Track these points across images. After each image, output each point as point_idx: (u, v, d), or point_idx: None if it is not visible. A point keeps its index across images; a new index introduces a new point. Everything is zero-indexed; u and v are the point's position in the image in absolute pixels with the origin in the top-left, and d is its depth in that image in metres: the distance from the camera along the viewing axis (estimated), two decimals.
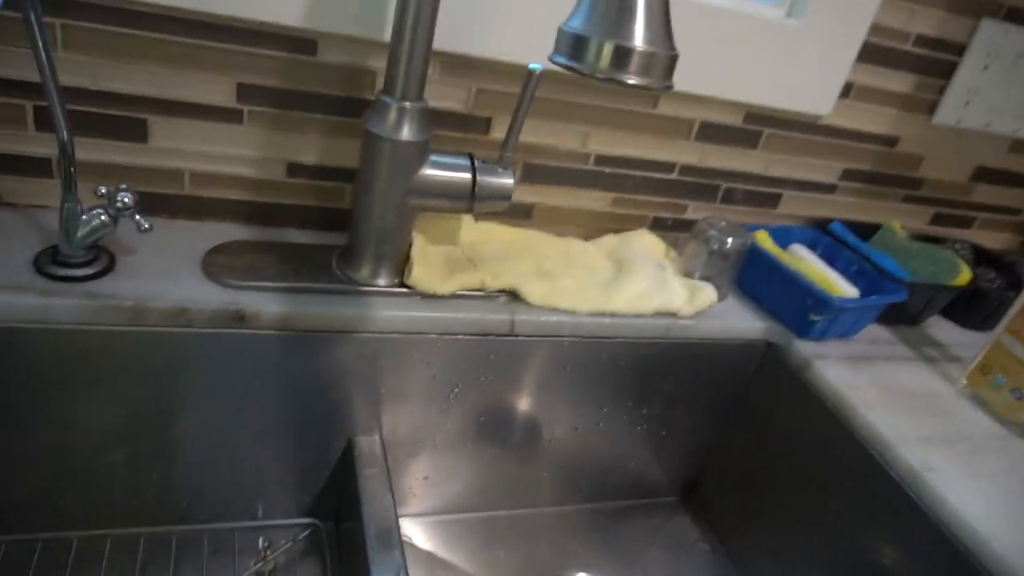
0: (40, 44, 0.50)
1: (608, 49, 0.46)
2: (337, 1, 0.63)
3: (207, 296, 0.63)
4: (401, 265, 0.70)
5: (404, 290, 0.70)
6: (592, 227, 0.86)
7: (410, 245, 0.70)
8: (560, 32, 0.49)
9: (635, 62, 0.46)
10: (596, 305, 0.74)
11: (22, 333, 0.59)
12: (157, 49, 0.63)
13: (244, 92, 0.67)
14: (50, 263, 0.61)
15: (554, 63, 0.50)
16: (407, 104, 0.61)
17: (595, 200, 0.84)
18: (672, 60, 0.48)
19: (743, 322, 0.81)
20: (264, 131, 0.69)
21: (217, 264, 0.67)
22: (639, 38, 0.45)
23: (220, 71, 0.66)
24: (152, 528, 0.76)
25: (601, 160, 0.81)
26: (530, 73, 0.62)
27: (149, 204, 0.70)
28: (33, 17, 0.49)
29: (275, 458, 0.75)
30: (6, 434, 0.64)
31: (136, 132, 0.67)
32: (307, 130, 0.70)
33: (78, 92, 0.63)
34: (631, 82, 0.46)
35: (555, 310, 0.73)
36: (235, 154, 0.70)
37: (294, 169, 0.72)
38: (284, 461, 0.76)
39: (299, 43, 0.66)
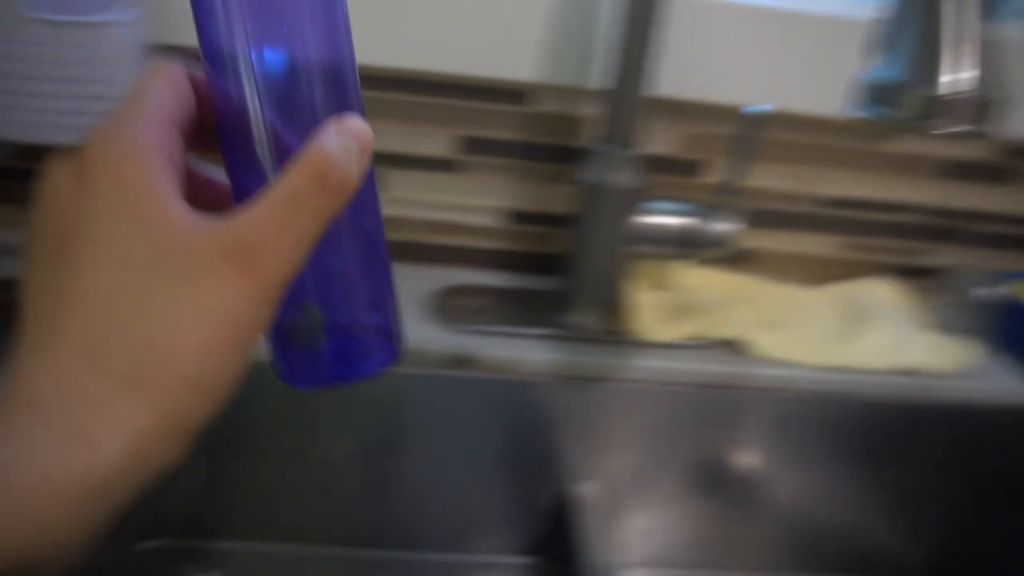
0: None
1: (921, 96, 0.42)
2: (551, 53, 0.65)
3: (434, 338, 0.66)
4: (618, 312, 0.68)
5: (622, 337, 0.68)
6: (818, 274, 0.80)
7: (627, 292, 0.68)
8: (863, 81, 0.46)
9: (952, 106, 0.42)
10: (829, 359, 0.68)
11: None
12: (391, 108, 0.68)
13: (467, 144, 0.70)
14: None
15: (856, 114, 0.47)
16: (622, 151, 0.61)
17: (820, 245, 0.78)
18: (992, 102, 0.43)
19: (1009, 384, 0.71)
20: (486, 180, 0.72)
21: (444, 308, 0.69)
22: (956, 81, 0.41)
23: (446, 125, 0.69)
24: (379, 552, 0.79)
25: (826, 202, 0.76)
26: (753, 115, 0.59)
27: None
28: None
29: (493, 497, 0.76)
30: (258, 458, 0.70)
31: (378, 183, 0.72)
32: (522, 177, 0.72)
33: None
34: (952, 129, 0.42)
35: (783, 363, 0.68)
36: (459, 203, 0.73)
37: (512, 215, 0.74)
38: (501, 500, 0.77)
39: (512, 95, 0.68)
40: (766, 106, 0.59)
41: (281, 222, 0.19)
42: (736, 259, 0.78)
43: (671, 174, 0.73)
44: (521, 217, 0.74)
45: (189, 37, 0.62)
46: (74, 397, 0.18)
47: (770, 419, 0.72)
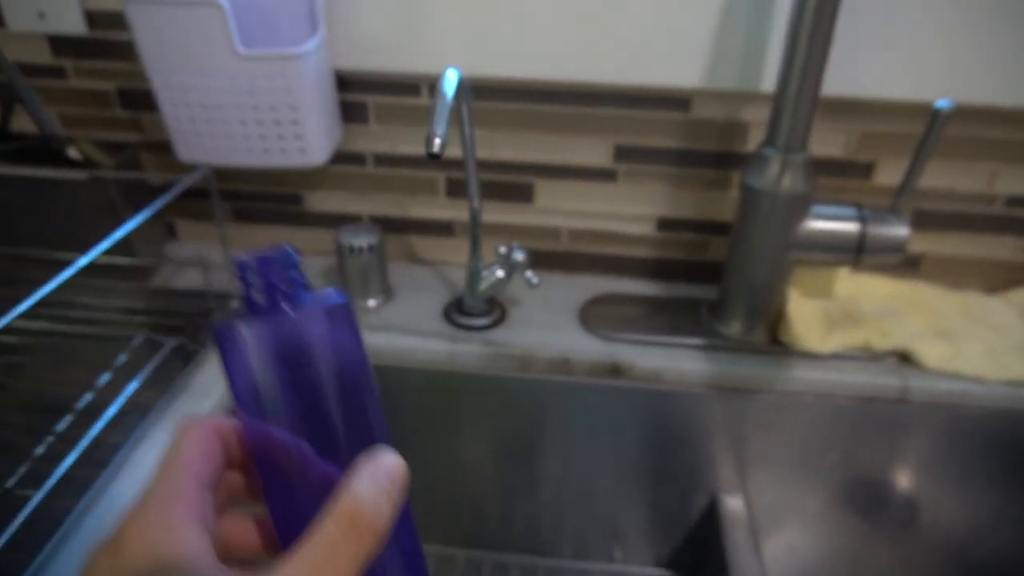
0: (467, 127, 0.58)
1: None
2: (716, 58, 0.63)
3: (585, 347, 0.67)
4: (775, 321, 0.66)
5: (779, 347, 0.66)
6: (999, 280, 0.73)
7: (785, 300, 0.66)
8: None
9: None
10: (1011, 373, 0.63)
11: (434, 375, 0.68)
12: (543, 119, 0.69)
13: (620, 152, 0.70)
14: (456, 313, 0.70)
15: None
16: (790, 155, 0.59)
17: (1004, 248, 0.72)
18: None
19: None
20: (637, 188, 0.72)
21: (593, 316, 0.70)
22: None
23: (598, 135, 0.70)
24: (518, 557, 0.81)
25: (1015, 202, 0.69)
26: (936, 112, 0.56)
27: (530, 259, 0.77)
28: (464, 106, 0.57)
29: (637, 506, 0.76)
30: (412, 460, 0.74)
31: (523, 194, 0.74)
32: (677, 185, 0.71)
33: (480, 163, 0.71)
34: None
35: (957, 376, 0.64)
36: (608, 211, 0.73)
37: (663, 223, 0.73)
38: (645, 510, 0.76)
39: (673, 102, 0.67)
40: (948, 101, 0.55)
41: (322, 567, 0.20)
42: (902, 264, 0.74)
43: (842, 177, 0.70)
44: (673, 225, 0.73)
45: (362, 62, 0.66)
46: None
47: (938, 436, 0.67)
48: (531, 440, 0.73)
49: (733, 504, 0.73)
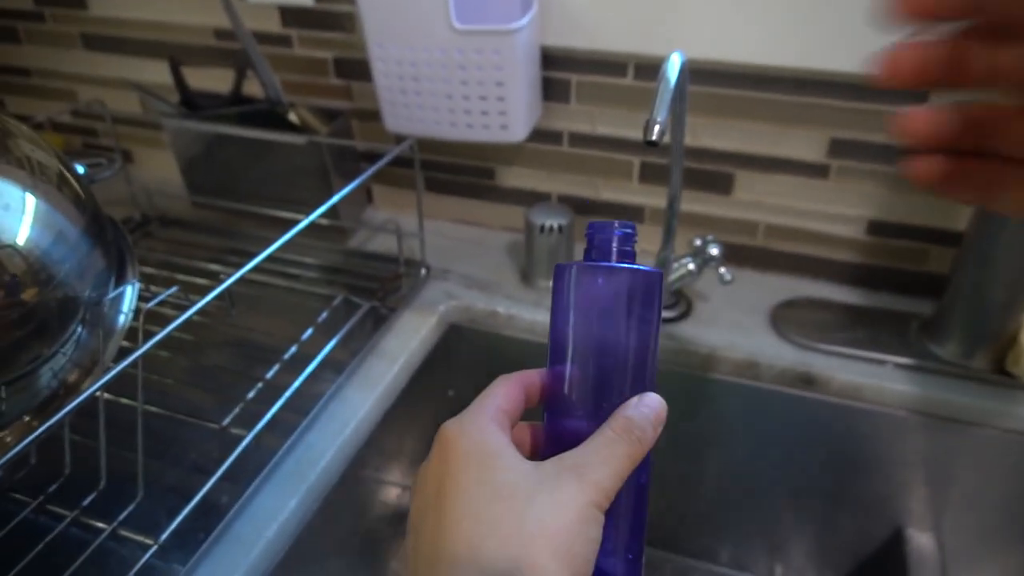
0: (682, 113, 0.55)
1: None
2: None
3: (776, 352, 0.63)
4: (1004, 348, 0.59)
5: (1005, 378, 0.59)
6: None
7: (1019, 326, 0.58)
8: None
9: None
10: None
11: None
12: (753, 107, 0.65)
13: (835, 147, 0.65)
14: None
15: None
16: None
17: None
18: None
19: None
20: (849, 187, 0.66)
21: (786, 320, 0.66)
22: None
23: (813, 126, 0.64)
24: (672, 555, 0.79)
25: None
26: None
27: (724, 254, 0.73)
28: (681, 91, 0.54)
29: (809, 525, 0.72)
30: None
31: (722, 185, 0.70)
32: (896, 186, 0.65)
33: None
34: None
35: None
36: (813, 209, 0.68)
37: (875, 227, 0.67)
38: (817, 531, 0.72)
39: (908, 92, 0.61)
40: None
41: (603, 454, 0.28)
42: None
43: None
44: (887, 229, 0.67)
45: (570, 39, 0.65)
46: None
47: None
48: (705, 441, 0.70)
49: (922, 541, 0.66)
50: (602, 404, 0.30)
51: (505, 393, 0.31)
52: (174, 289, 0.49)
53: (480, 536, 0.26)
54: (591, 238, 0.32)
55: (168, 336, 0.43)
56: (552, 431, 0.31)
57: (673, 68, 0.46)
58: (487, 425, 0.29)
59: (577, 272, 0.31)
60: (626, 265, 0.31)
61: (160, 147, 0.90)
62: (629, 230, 0.32)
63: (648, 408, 0.29)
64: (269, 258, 0.50)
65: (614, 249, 0.31)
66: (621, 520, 0.30)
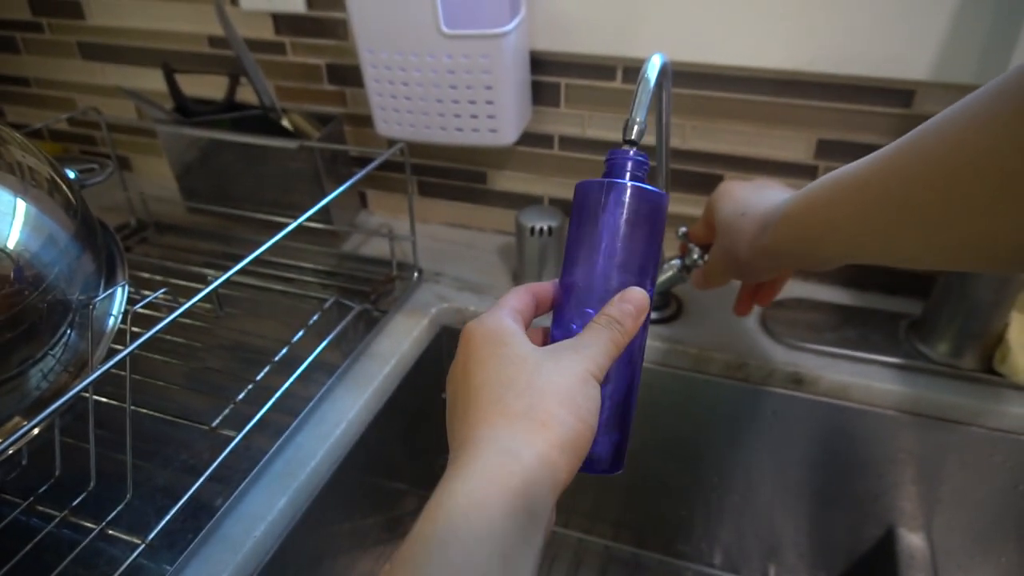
0: (665, 114, 0.56)
1: None
2: (953, 47, 0.57)
3: (766, 353, 0.63)
4: (991, 347, 0.59)
5: (991, 377, 0.59)
6: None
7: (1006, 325, 0.59)
8: None
9: None
10: None
11: None
12: (741, 109, 0.65)
13: (823, 147, 0.65)
14: None
15: None
16: None
17: None
18: None
19: None
20: None
21: (776, 320, 0.66)
22: None
23: (800, 127, 0.65)
24: (663, 557, 0.79)
25: None
26: None
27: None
28: (664, 92, 0.55)
29: (800, 526, 0.72)
30: None
31: (710, 186, 0.70)
32: None
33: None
34: None
35: None
36: None
37: None
38: (809, 531, 0.72)
39: (893, 94, 0.61)
40: None
41: (592, 338, 0.34)
42: None
43: None
44: None
45: (559, 43, 0.66)
46: (497, 433, 0.30)
47: None
48: (697, 442, 0.70)
49: (913, 541, 0.66)
50: (598, 308, 0.35)
51: (517, 297, 0.37)
52: (162, 291, 0.50)
53: (500, 390, 0.32)
54: (609, 161, 0.37)
55: (160, 339, 0.44)
56: (557, 327, 0.37)
57: (653, 68, 0.47)
58: (502, 318, 0.35)
59: (590, 187, 0.36)
60: (635, 183, 0.36)
61: (158, 154, 0.91)
62: (642, 158, 0.37)
63: (628, 303, 0.35)
64: (264, 262, 0.50)
65: (628, 170, 0.37)
66: (609, 400, 0.35)
